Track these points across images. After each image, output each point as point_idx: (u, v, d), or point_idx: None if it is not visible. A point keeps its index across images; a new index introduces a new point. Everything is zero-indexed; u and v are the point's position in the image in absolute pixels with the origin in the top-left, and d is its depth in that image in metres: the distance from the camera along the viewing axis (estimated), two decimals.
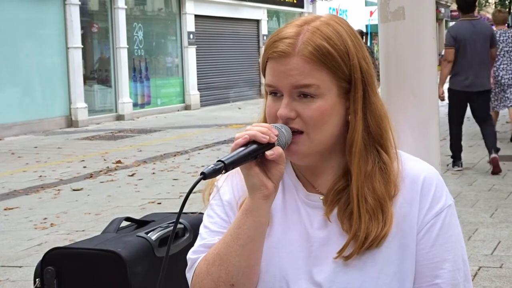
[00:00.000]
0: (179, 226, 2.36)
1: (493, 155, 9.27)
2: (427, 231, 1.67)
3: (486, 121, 9.55)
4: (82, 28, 19.31)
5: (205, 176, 1.50)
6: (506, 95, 11.58)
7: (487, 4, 48.15)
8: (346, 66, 1.63)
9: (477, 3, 10.58)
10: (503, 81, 11.49)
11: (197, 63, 24.29)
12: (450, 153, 9.91)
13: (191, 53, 24.06)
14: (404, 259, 1.66)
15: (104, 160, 12.39)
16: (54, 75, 18.40)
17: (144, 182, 10.05)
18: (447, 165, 9.75)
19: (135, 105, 21.46)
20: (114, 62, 20.66)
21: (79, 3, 18.89)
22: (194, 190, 1.53)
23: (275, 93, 1.66)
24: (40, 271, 2.17)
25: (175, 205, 7.85)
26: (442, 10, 52.49)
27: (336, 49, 1.62)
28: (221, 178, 1.79)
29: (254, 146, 1.56)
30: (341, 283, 1.64)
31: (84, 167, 11.67)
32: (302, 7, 32.73)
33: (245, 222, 1.62)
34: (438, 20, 47.50)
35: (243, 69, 26.45)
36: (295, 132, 1.63)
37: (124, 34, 20.78)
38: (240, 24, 27.13)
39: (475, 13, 9.67)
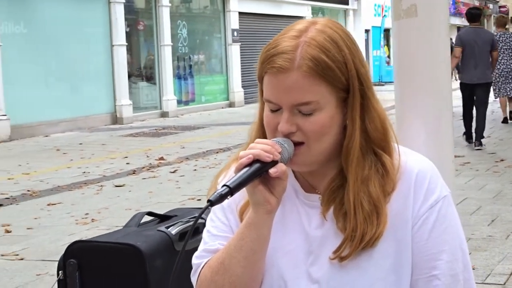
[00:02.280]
0: (200, 221, 2.40)
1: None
2: (422, 224, 1.68)
3: (480, 108, 12.03)
4: (128, 26, 19.52)
5: (212, 203, 1.53)
6: (508, 86, 14.36)
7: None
8: (344, 76, 1.63)
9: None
10: (503, 73, 14.21)
11: (241, 60, 24.37)
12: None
13: (235, 51, 24.16)
14: (400, 253, 1.67)
15: (147, 156, 12.52)
16: (100, 72, 18.64)
17: (185, 179, 10.13)
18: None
19: (179, 102, 21.62)
20: (159, 59, 20.84)
21: (124, 1, 19.09)
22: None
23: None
24: (63, 264, 2.24)
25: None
26: (491, 6, 51.85)
27: (334, 61, 1.62)
28: (222, 181, 1.80)
29: (258, 165, 1.58)
30: (338, 278, 1.66)
31: (127, 163, 11.81)
32: (347, 3, 32.62)
33: (248, 235, 1.66)
34: (486, 16, 46.95)
35: None
36: (296, 144, 1.66)
37: (168, 31, 20.95)
38: (284, 21, 27.12)
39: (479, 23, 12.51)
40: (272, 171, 1.59)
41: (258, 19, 25.60)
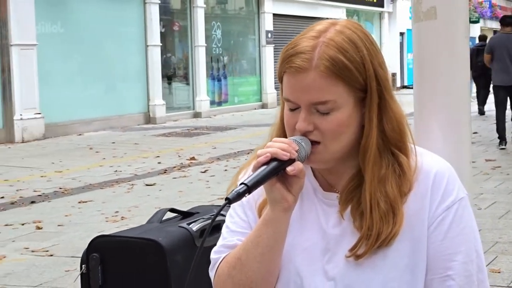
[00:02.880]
0: (220, 218, 2.44)
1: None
2: (438, 224, 1.69)
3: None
4: (163, 26, 19.65)
5: (229, 201, 1.56)
6: None
7: None
8: (362, 76, 1.66)
9: None
10: None
11: (274, 62, 24.39)
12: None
13: (268, 52, 24.21)
14: (416, 252, 1.69)
15: (179, 156, 12.60)
16: (134, 72, 18.79)
17: (215, 179, 10.19)
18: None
19: (212, 103, 21.72)
20: (192, 60, 20.95)
21: (159, 2, 19.22)
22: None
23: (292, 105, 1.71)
24: (86, 258, 2.28)
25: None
26: None
27: (351, 61, 1.64)
28: (242, 178, 1.83)
29: (275, 164, 1.60)
30: (354, 276, 1.69)
31: (159, 163, 11.90)
32: (382, 6, 32.51)
33: (265, 232, 1.69)
34: None
35: None
36: (313, 143, 1.68)
37: (202, 32, 21.05)
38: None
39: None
40: (289, 169, 1.61)
41: (292, 21, 25.60)
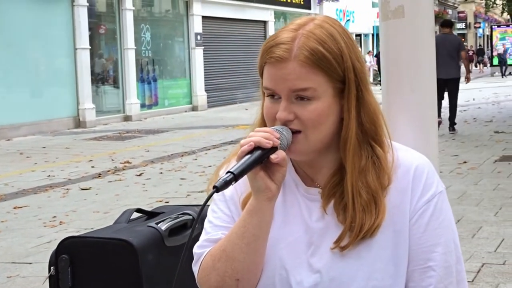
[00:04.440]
0: (188, 217, 2.45)
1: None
2: (419, 217, 1.75)
3: (453, 100, 14.52)
4: (90, 29, 19.43)
5: (217, 189, 1.58)
6: None
7: (495, 5, 48.11)
8: (340, 67, 1.71)
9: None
10: None
11: (204, 64, 24.42)
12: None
13: (198, 54, 24.18)
14: (398, 245, 1.74)
15: (112, 160, 12.49)
16: (62, 76, 18.54)
17: (151, 182, 10.14)
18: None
19: (142, 106, 21.58)
20: (122, 63, 20.79)
21: (87, 4, 19.01)
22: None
23: (273, 95, 1.74)
24: (55, 260, 2.26)
25: (183, 204, 7.92)
26: (450, 11, 52.48)
27: (330, 52, 1.69)
28: (224, 174, 1.86)
29: (259, 152, 1.64)
30: (338, 269, 1.72)
31: (92, 167, 11.78)
32: (309, 8, 32.83)
33: (250, 222, 1.71)
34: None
35: (250, 70, 26.50)
36: (294, 132, 1.72)
37: (131, 35, 20.91)
38: (247, 25, 27.24)
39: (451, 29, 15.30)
40: (273, 157, 1.65)
41: (221, 23, 25.65)
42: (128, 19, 20.79)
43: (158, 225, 2.33)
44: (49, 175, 10.96)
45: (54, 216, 8.03)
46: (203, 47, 24.39)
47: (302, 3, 32.02)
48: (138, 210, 2.53)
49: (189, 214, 2.47)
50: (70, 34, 18.77)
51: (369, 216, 1.72)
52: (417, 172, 1.77)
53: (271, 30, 28.39)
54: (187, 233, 2.40)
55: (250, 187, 1.71)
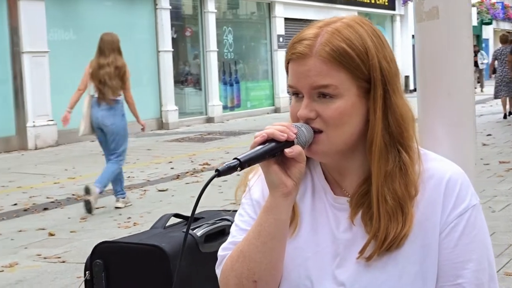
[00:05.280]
0: (226, 223, 2.42)
1: None
2: (450, 231, 1.66)
3: None
4: (174, 32, 19.66)
5: (219, 173, 1.52)
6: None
7: None
8: (365, 65, 1.64)
9: None
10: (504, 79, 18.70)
11: None
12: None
13: (280, 56, 24.19)
14: (426, 259, 1.66)
15: (192, 161, 12.59)
16: (146, 78, 18.81)
17: (228, 184, 10.11)
18: None
19: (225, 107, 21.71)
20: (204, 65, 20.96)
21: (170, 7, 19.23)
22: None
23: (297, 94, 1.69)
24: (89, 264, 2.27)
25: None
26: None
27: (354, 49, 1.63)
28: (253, 178, 1.82)
29: (272, 144, 1.58)
30: (363, 282, 1.65)
31: (172, 168, 11.90)
32: (394, 9, 32.45)
33: (266, 220, 1.66)
34: None
35: None
36: (315, 132, 1.66)
37: (214, 37, 21.06)
38: None
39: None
40: (287, 150, 1.59)
41: (303, 25, 25.39)
42: (211, 21, 20.95)
43: (194, 230, 2.31)
44: (128, 176, 11.10)
45: (129, 217, 8.14)
46: (285, 49, 24.32)
47: (386, 3, 31.66)
48: (177, 215, 2.51)
49: (228, 220, 2.44)
50: (153, 37, 19.02)
51: (395, 224, 1.64)
52: (449, 184, 1.68)
53: None
54: (224, 239, 2.36)
55: (266, 182, 1.66)
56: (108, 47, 9.49)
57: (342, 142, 1.67)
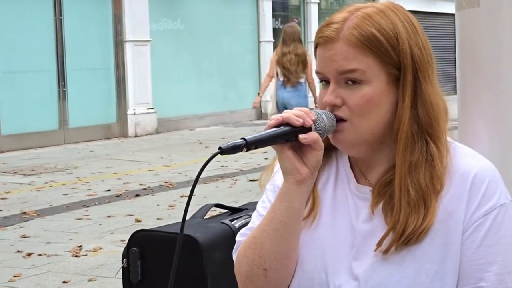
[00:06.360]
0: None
1: None
2: (474, 231, 1.57)
3: None
4: (280, 22, 19.69)
5: (222, 151, 1.48)
6: None
7: None
8: (395, 51, 1.58)
9: None
10: None
11: None
12: None
13: None
14: (447, 258, 1.58)
15: None
16: (247, 68, 18.92)
17: None
18: None
19: None
20: None
21: None
22: None
23: (325, 80, 1.64)
24: (126, 252, 2.27)
25: None
26: None
27: (383, 34, 1.57)
28: (277, 164, 1.78)
29: (286, 129, 1.54)
30: (378, 278, 1.59)
31: (266, 158, 11.90)
32: None
33: (278, 207, 1.62)
34: None
35: (439, 64, 25.70)
36: (339, 120, 1.60)
37: (315, 28, 20.94)
38: (437, 18, 26.57)
39: None
40: (302, 136, 1.55)
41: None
42: (313, 12, 20.88)
43: (233, 222, 2.28)
44: (222, 165, 11.19)
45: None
46: None
47: None
48: (218, 205, 2.48)
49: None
50: (255, 27, 19.10)
51: (415, 216, 1.57)
52: (476, 180, 1.59)
53: None
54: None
55: (280, 168, 1.61)
56: (290, 38, 10.31)
57: (368, 131, 1.60)
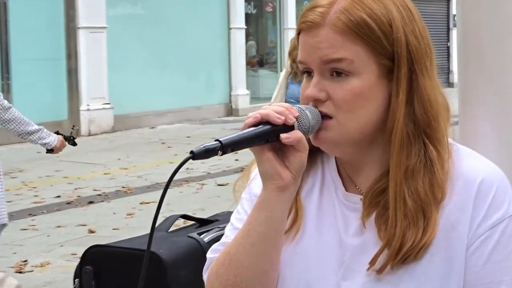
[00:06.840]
0: None
1: None
2: (480, 245, 1.54)
3: None
4: (253, 7, 19.70)
5: (194, 155, 1.43)
6: None
7: None
8: (388, 39, 1.54)
9: None
10: None
11: None
12: None
13: None
14: (450, 277, 1.55)
15: None
16: (215, 59, 18.89)
17: None
18: None
19: None
20: (281, 45, 20.91)
21: None
22: None
23: (308, 72, 1.60)
24: (79, 271, 2.23)
25: None
26: None
27: (374, 20, 1.53)
28: (255, 169, 1.73)
29: (265, 128, 1.49)
30: None
31: (236, 160, 11.87)
32: None
33: (256, 218, 1.57)
34: None
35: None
36: (324, 117, 1.56)
37: (293, 14, 20.99)
38: (427, 3, 26.74)
39: None
40: (283, 136, 1.49)
41: None
42: None
43: (202, 235, 2.24)
44: (187, 168, 11.13)
45: None
46: None
47: None
48: (184, 216, 2.44)
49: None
50: (224, 12, 19.07)
51: (414, 231, 1.52)
52: (482, 186, 1.55)
53: (454, 9, 27.72)
54: None
55: (259, 173, 1.56)
56: None
57: (356, 130, 1.56)
